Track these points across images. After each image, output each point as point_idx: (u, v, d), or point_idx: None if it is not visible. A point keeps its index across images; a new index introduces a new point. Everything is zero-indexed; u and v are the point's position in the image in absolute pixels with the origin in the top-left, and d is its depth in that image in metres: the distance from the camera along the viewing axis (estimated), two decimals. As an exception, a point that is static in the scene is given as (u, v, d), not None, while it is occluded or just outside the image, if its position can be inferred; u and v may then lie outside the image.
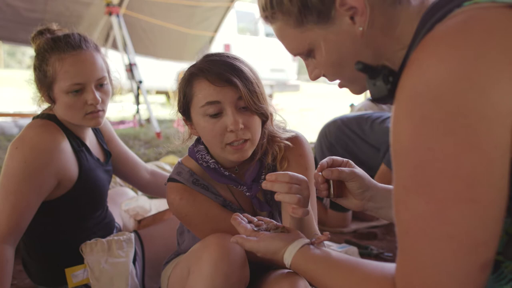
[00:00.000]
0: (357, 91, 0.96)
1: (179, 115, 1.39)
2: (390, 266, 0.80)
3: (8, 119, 5.93)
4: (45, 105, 1.70)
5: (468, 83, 0.65)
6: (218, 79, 1.26)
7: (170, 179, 1.39)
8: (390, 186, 1.12)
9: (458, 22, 0.70)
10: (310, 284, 1.31)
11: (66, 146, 1.61)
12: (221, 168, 1.35)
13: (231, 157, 1.30)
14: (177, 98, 1.37)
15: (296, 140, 1.42)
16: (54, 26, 1.66)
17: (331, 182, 1.14)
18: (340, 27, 0.84)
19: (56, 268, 1.68)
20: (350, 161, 1.17)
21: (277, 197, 1.12)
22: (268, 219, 1.16)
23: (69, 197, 1.65)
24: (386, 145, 2.45)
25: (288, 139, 1.41)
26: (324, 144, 2.74)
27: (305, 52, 0.91)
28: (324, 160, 1.15)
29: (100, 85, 1.63)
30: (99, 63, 1.63)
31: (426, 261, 0.69)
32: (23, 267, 1.79)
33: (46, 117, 1.66)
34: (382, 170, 2.50)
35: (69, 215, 1.70)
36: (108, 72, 1.69)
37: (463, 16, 0.70)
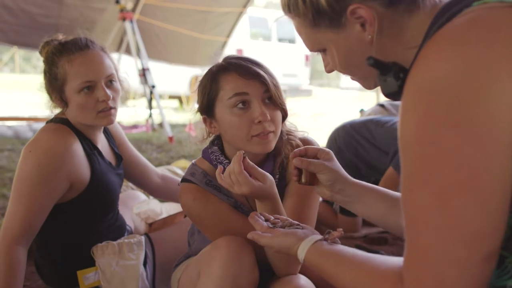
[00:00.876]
0: (369, 86, 0.99)
1: (198, 115, 1.42)
2: (397, 260, 0.82)
3: (23, 123, 6.02)
4: (58, 111, 1.73)
5: (471, 79, 0.67)
6: (246, 72, 1.30)
7: (184, 180, 1.41)
8: (363, 183, 1.18)
9: (465, 21, 0.73)
10: (318, 286, 1.33)
11: (78, 149, 1.64)
12: None
13: (257, 149, 1.31)
14: (198, 98, 1.39)
15: (308, 141, 1.45)
16: (60, 36, 1.70)
17: (303, 169, 1.18)
18: (350, 33, 0.89)
19: (68, 270, 1.69)
20: (330, 152, 1.20)
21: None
22: (285, 217, 1.19)
23: (81, 200, 1.67)
24: (395, 148, 2.45)
25: (300, 139, 1.44)
26: (333, 149, 2.74)
27: (318, 51, 0.99)
28: (298, 149, 1.20)
29: (109, 82, 1.66)
30: (107, 62, 1.67)
31: (431, 251, 0.71)
32: (36, 268, 1.81)
33: (59, 121, 1.69)
34: (389, 173, 2.50)
35: (81, 218, 1.72)
36: (116, 70, 1.73)
37: (471, 15, 0.73)
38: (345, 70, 0.97)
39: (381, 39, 0.87)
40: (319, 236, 1.03)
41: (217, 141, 1.43)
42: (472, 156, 0.67)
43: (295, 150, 1.19)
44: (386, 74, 0.89)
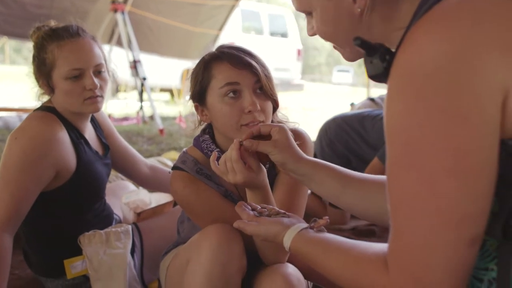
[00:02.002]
0: (349, 58, 0.98)
1: (188, 108, 1.42)
2: (382, 245, 0.82)
3: (13, 114, 5.96)
4: (45, 99, 1.73)
5: (460, 61, 0.67)
6: (238, 62, 1.31)
7: (175, 167, 1.41)
8: (318, 161, 1.15)
9: (453, 3, 0.72)
10: (306, 275, 1.34)
11: (64, 137, 1.64)
12: None
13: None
14: (190, 86, 1.40)
15: (298, 135, 1.45)
16: (52, 23, 1.70)
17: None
18: (340, 2, 0.88)
19: (56, 259, 1.70)
20: (282, 128, 1.17)
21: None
22: (271, 206, 1.19)
23: (67, 188, 1.67)
24: (382, 142, 2.47)
25: (291, 129, 1.44)
26: (324, 141, 2.76)
27: (306, 13, 0.96)
28: (252, 129, 1.19)
29: (98, 72, 1.66)
30: (96, 51, 1.67)
31: (416, 235, 0.71)
32: (24, 257, 1.81)
33: (45, 109, 1.69)
34: (374, 163, 2.52)
35: (67, 206, 1.72)
36: (105, 60, 1.72)
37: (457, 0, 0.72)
38: (328, 37, 0.95)
39: (371, 16, 0.86)
40: (305, 224, 1.04)
41: (208, 130, 1.44)
42: (459, 140, 0.68)
43: (248, 133, 1.18)
44: (372, 55, 0.87)
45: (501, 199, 0.72)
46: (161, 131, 5.28)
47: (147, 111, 6.48)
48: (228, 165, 1.17)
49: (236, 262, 1.23)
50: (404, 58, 0.73)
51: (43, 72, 1.64)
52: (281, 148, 1.13)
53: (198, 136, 1.45)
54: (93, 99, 1.65)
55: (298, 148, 1.16)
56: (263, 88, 1.33)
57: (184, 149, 1.47)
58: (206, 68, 1.35)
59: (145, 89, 5.85)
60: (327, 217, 1.05)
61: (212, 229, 1.25)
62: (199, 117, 1.42)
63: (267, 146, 1.14)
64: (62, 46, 1.61)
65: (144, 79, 5.77)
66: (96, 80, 1.64)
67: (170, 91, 10.64)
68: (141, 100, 6.29)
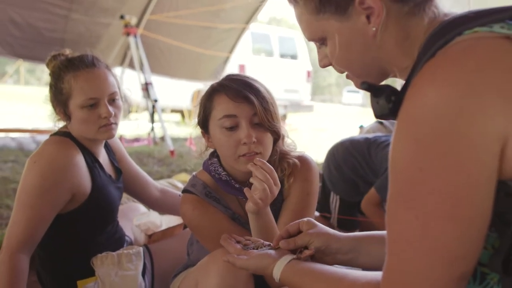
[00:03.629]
0: (361, 86, 0.98)
1: (198, 130, 1.48)
2: (375, 274, 0.85)
3: (26, 135, 6.06)
4: (61, 124, 1.79)
5: (459, 111, 0.70)
6: (237, 95, 1.36)
7: (185, 191, 1.46)
8: (357, 234, 1.14)
9: (457, 51, 0.75)
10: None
11: (81, 161, 1.69)
12: (232, 181, 1.43)
13: (243, 168, 1.36)
14: (197, 112, 1.46)
15: (304, 162, 1.49)
16: (67, 51, 1.77)
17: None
18: (355, 24, 0.89)
19: (69, 280, 1.74)
20: (310, 220, 1.17)
21: (251, 179, 1.25)
22: (255, 238, 1.23)
23: (82, 211, 1.72)
24: (384, 168, 2.49)
25: (297, 157, 1.48)
26: (332, 164, 2.80)
27: (318, 40, 0.96)
28: (278, 235, 1.18)
29: (112, 100, 1.73)
30: (110, 80, 1.74)
31: (409, 269, 0.75)
32: (38, 278, 1.85)
33: (62, 134, 1.75)
34: (371, 193, 2.56)
35: (81, 228, 1.77)
36: (119, 88, 1.79)
37: (463, 45, 0.75)
38: (342, 63, 0.96)
39: (384, 36, 0.88)
40: (292, 256, 1.07)
41: (216, 153, 1.49)
42: (456, 186, 0.71)
43: (277, 237, 1.17)
44: (379, 96, 0.90)
45: (501, 235, 0.76)
46: (172, 152, 5.34)
47: (158, 132, 6.55)
48: (268, 183, 1.24)
49: (243, 286, 1.26)
50: (409, 103, 0.76)
51: (60, 100, 1.70)
52: (317, 234, 1.13)
53: (207, 159, 1.50)
54: (108, 127, 1.71)
55: (331, 230, 1.16)
56: (261, 121, 1.37)
57: (194, 173, 1.52)
58: (209, 98, 1.41)
59: (156, 111, 5.93)
60: (313, 247, 1.08)
61: (220, 253, 1.28)
62: (206, 143, 1.47)
63: (304, 238, 1.13)
64: (78, 76, 1.67)
65: (156, 101, 5.86)
66: (110, 108, 1.70)
67: (181, 112, 10.73)
68: (152, 121, 6.37)
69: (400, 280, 0.76)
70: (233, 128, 1.36)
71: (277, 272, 1.04)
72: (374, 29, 0.87)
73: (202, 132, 1.46)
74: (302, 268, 1.02)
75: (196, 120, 1.48)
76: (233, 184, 1.42)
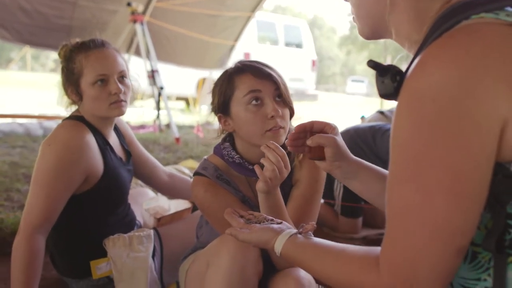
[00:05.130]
0: (362, 34, 1.04)
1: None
2: (373, 248, 0.89)
3: (34, 120, 6.13)
4: (73, 108, 1.85)
5: (464, 90, 0.74)
6: (260, 72, 1.43)
7: (196, 173, 1.51)
8: (362, 161, 1.22)
9: (461, 34, 0.79)
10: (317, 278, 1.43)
11: (93, 143, 1.76)
12: (245, 163, 1.47)
13: (268, 143, 1.38)
14: (213, 98, 1.51)
15: None
16: (76, 39, 1.83)
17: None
18: None
19: (81, 261, 1.80)
20: (336, 127, 1.24)
21: (262, 160, 1.30)
22: (258, 213, 1.27)
23: (94, 192, 1.78)
24: None
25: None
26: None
27: None
28: (304, 123, 1.24)
29: (121, 78, 1.80)
30: (119, 59, 1.82)
31: (409, 242, 0.79)
32: (50, 259, 1.90)
33: (74, 118, 1.81)
34: None
35: (94, 210, 1.83)
36: (127, 69, 1.86)
37: (469, 29, 0.79)
38: (354, 4, 1.01)
39: (397, 4, 0.92)
40: (294, 230, 1.11)
41: (229, 138, 1.54)
42: (458, 162, 0.75)
43: (301, 124, 1.24)
44: (384, 76, 0.94)
45: (495, 216, 0.80)
46: (177, 139, 5.39)
47: (163, 120, 6.60)
48: (278, 165, 1.28)
49: (253, 266, 1.32)
50: (414, 80, 0.79)
51: (72, 80, 1.77)
52: (338, 143, 1.20)
53: (219, 144, 1.55)
54: (118, 103, 1.78)
55: (346, 149, 1.23)
56: (281, 96, 1.44)
57: (205, 157, 1.57)
58: (230, 80, 1.46)
59: (162, 98, 5.97)
60: (313, 222, 1.13)
61: (229, 236, 1.33)
62: (221, 127, 1.51)
63: (328, 139, 1.19)
64: (89, 55, 1.75)
65: (162, 88, 5.90)
66: (120, 86, 1.77)
67: (186, 100, 10.77)
68: (158, 108, 6.42)
69: (400, 253, 0.80)
70: (258, 103, 1.41)
71: (278, 246, 1.08)
72: None
73: (218, 117, 1.50)
74: (303, 242, 1.05)
75: (201, 107, 1.53)
76: (247, 165, 1.47)
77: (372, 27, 1.00)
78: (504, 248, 0.79)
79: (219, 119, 1.50)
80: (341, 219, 2.78)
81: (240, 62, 1.50)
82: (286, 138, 1.33)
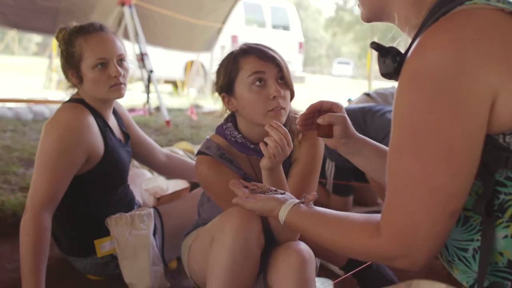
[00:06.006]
0: (364, 17, 1.11)
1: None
2: (374, 215, 0.97)
3: (23, 105, 6.10)
4: (73, 91, 1.89)
5: (459, 68, 0.82)
6: (264, 55, 1.49)
7: (200, 153, 1.57)
8: (366, 138, 1.30)
9: (457, 18, 0.87)
10: (314, 252, 1.50)
11: (94, 124, 1.80)
12: (247, 142, 1.53)
13: (271, 122, 1.44)
14: (217, 79, 1.56)
15: None
16: (74, 23, 1.87)
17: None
18: None
19: (85, 240, 1.86)
20: (342, 106, 1.31)
21: (266, 138, 1.36)
22: (262, 184, 1.34)
23: (96, 172, 1.83)
24: (383, 136, 2.60)
25: None
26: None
27: None
28: (313, 104, 1.31)
29: (120, 61, 1.84)
30: (118, 43, 1.86)
31: (408, 206, 0.87)
32: (53, 238, 1.94)
33: (74, 101, 1.85)
34: None
35: (95, 190, 1.88)
36: (125, 52, 1.90)
37: (462, 13, 0.87)
38: None
39: None
40: (297, 200, 1.18)
41: (231, 118, 1.60)
42: (453, 132, 0.83)
43: (311, 104, 1.31)
44: (385, 56, 1.01)
45: (485, 183, 0.88)
46: (168, 122, 5.43)
47: (153, 103, 6.61)
48: (281, 143, 1.34)
49: (256, 239, 1.39)
50: (414, 59, 0.87)
51: (72, 64, 1.81)
52: (347, 121, 1.28)
53: (221, 124, 1.61)
54: (118, 86, 1.83)
55: (352, 128, 1.30)
56: (284, 78, 1.50)
57: (208, 137, 1.63)
58: (235, 61, 1.51)
59: (152, 81, 5.98)
60: (315, 193, 1.20)
61: (233, 211, 1.40)
62: (225, 107, 1.57)
63: (338, 117, 1.27)
64: (89, 39, 1.79)
65: (151, 71, 5.90)
66: (119, 69, 1.82)
67: (174, 83, 10.75)
68: (148, 92, 6.43)
69: (400, 216, 0.88)
70: (261, 83, 1.47)
71: (282, 214, 1.15)
72: None
73: (222, 96, 1.55)
74: (306, 211, 1.12)
75: (215, 86, 1.58)
76: (248, 145, 1.53)
77: (375, 12, 1.07)
78: (493, 211, 0.88)
79: (223, 99, 1.55)
80: (333, 197, 2.86)
81: (245, 44, 1.55)
82: (295, 122, 1.38)
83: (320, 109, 1.31)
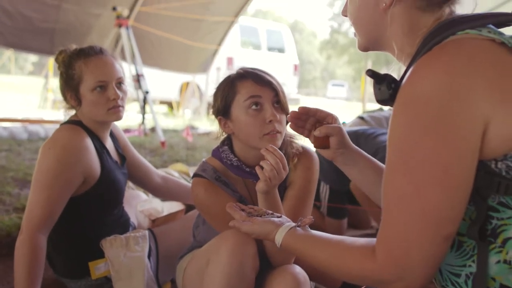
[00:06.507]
0: (360, 47, 1.14)
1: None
2: (370, 239, 0.98)
3: (18, 124, 6.10)
4: (71, 113, 1.91)
5: (453, 96, 0.85)
6: (260, 79, 1.52)
7: (196, 175, 1.58)
8: (361, 151, 1.31)
9: (450, 47, 0.91)
10: (309, 276, 1.51)
11: (91, 146, 1.82)
12: (243, 165, 1.55)
13: (267, 146, 1.45)
14: (214, 102, 1.58)
15: (306, 152, 1.64)
16: (74, 46, 1.90)
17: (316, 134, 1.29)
18: None
19: (79, 261, 1.85)
20: (337, 117, 1.33)
21: (262, 162, 1.37)
22: (258, 207, 1.35)
23: (92, 193, 1.84)
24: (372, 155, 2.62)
25: (302, 146, 1.62)
26: (322, 156, 2.92)
27: None
28: (307, 108, 1.31)
29: (119, 84, 1.87)
30: (117, 66, 1.89)
31: (402, 229, 0.88)
32: (48, 260, 1.94)
33: (72, 122, 1.87)
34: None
35: (91, 211, 1.89)
36: (124, 75, 1.93)
37: (455, 43, 0.91)
38: (352, 18, 1.11)
39: (393, 16, 1.02)
40: (293, 223, 1.19)
41: (227, 141, 1.62)
42: (446, 157, 0.85)
43: (306, 106, 1.32)
44: (381, 83, 1.05)
45: (478, 208, 0.90)
46: (163, 143, 5.43)
47: (148, 123, 6.62)
48: (277, 166, 1.35)
49: (251, 262, 1.39)
50: (408, 85, 0.90)
51: (71, 86, 1.83)
52: (343, 132, 1.29)
53: (217, 147, 1.63)
54: (116, 109, 1.85)
55: (349, 140, 1.31)
56: (280, 102, 1.53)
57: (204, 159, 1.65)
58: (232, 85, 1.54)
59: (148, 102, 6.00)
60: (311, 216, 1.21)
61: (229, 233, 1.41)
62: (221, 130, 1.59)
63: (335, 128, 1.28)
64: (88, 62, 1.82)
65: (147, 92, 5.93)
66: (118, 92, 1.84)
67: (169, 104, 10.79)
68: (144, 113, 6.44)
69: (395, 240, 0.89)
70: (257, 108, 1.50)
71: (279, 238, 1.16)
72: (384, 4, 1.03)
73: (219, 119, 1.58)
74: (302, 234, 1.14)
75: (212, 109, 1.60)
76: (244, 168, 1.55)
77: (371, 41, 1.10)
78: (486, 236, 0.90)
79: (219, 122, 1.58)
80: (327, 220, 2.87)
81: (242, 68, 1.58)
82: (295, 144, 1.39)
83: (314, 115, 1.32)
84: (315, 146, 1.32)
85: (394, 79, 1.04)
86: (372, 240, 0.97)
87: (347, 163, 1.32)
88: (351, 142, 1.32)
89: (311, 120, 1.32)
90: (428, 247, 0.87)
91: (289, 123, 1.34)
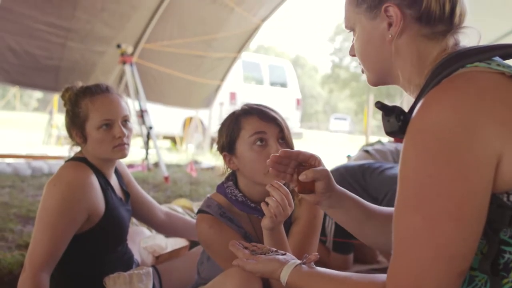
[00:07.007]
0: (370, 82, 1.14)
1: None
2: (378, 275, 0.97)
3: (22, 160, 6.11)
4: (76, 149, 1.91)
5: (463, 129, 0.85)
6: (265, 116, 1.53)
7: (200, 211, 1.58)
8: (346, 191, 1.25)
9: (460, 80, 0.91)
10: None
11: (96, 183, 1.81)
12: (248, 201, 1.54)
13: (272, 182, 1.43)
14: (219, 138, 1.58)
15: None
16: (80, 83, 1.92)
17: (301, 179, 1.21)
18: (378, 26, 1.05)
19: (81, 299, 1.83)
20: (320, 158, 1.25)
21: (267, 198, 1.35)
22: (262, 244, 1.33)
23: (96, 231, 1.83)
24: (384, 194, 2.61)
25: None
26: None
27: (350, 28, 1.14)
28: (292, 152, 1.23)
29: (125, 122, 1.88)
30: (123, 104, 1.91)
31: (414, 265, 0.86)
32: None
33: (77, 159, 1.87)
34: None
35: (94, 248, 1.87)
36: (129, 113, 1.94)
37: (464, 76, 0.91)
38: (359, 54, 1.12)
39: (399, 47, 1.04)
40: (299, 261, 1.17)
41: (232, 177, 1.62)
42: (459, 190, 0.84)
43: (287, 150, 1.24)
44: (390, 115, 1.04)
45: (490, 242, 0.89)
46: (166, 178, 5.42)
47: (151, 158, 6.63)
48: (282, 203, 1.34)
49: None
50: (419, 119, 0.90)
51: (77, 123, 1.84)
52: (329, 176, 1.22)
53: (222, 183, 1.62)
54: (122, 146, 1.85)
55: (334, 182, 1.24)
56: (284, 138, 1.54)
57: (208, 195, 1.64)
58: (237, 121, 1.55)
59: (151, 137, 6.03)
60: (316, 253, 1.19)
61: (234, 270, 1.39)
62: (226, 165, 1.59)
63: (322, 172, 1.20)
64: (94, 100, 1.83)
65: (151, 128, 5.96)
66: (124, 129, 1.85)
67: (172, 139, 10.83)
68: (147, 148, 6.45)
69: (406, 276, 0.87)
70: (262, 144, 1.50)
71: (284, 276, 1.14)
72: (390, 36, 1.04)
73: (224, 155, 1.58)
74: (308, 272, 1.12)
75: (216, 145, 1.61)
76: (249, 203, 1.54)
77: (380, 74, 1.11)
78: (498, 271, 0.88)
79: (224, 158, 1.58)
80: (333, 255, 2.83)
81: (247, 105, 1.59)
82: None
83: (296, 158, 1.24)
84: (299, 192, 1.23)
85: (403, 111, 1.04)
86: (380, 276, 0.95)
87: (333, 206, 1.25)
88: (335, 184, 1.25)
89: (292, 164, 1.24)
90: (440, 285, 0.86)
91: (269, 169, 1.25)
